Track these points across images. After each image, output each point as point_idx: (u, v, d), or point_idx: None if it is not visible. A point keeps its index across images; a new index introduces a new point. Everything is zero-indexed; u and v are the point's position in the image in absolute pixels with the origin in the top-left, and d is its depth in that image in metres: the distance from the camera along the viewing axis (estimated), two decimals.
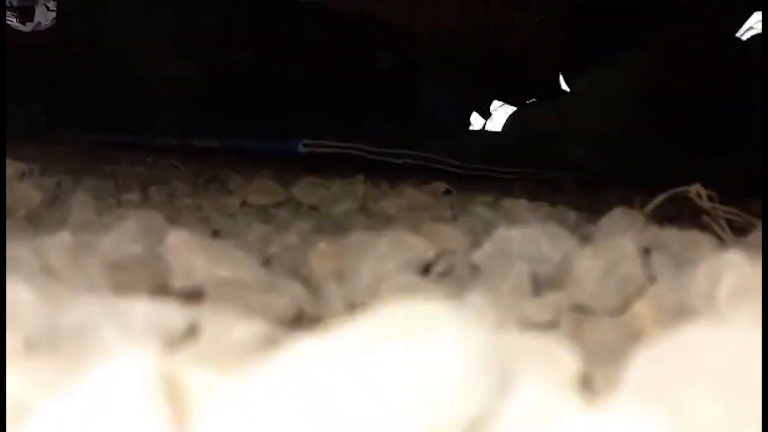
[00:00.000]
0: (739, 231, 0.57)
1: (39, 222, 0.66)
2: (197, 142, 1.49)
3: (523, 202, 0.74)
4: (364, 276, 0.52)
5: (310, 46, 2.01)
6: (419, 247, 0.54)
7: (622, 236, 0.48)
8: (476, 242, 0.56)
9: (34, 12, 2.42)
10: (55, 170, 0.94)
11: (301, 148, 1.30)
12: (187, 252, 0.55)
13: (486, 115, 2.55)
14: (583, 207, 1.01)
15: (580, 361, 0.27)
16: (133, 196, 0.90)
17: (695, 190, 0.55)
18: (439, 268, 0.54)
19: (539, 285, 0.48)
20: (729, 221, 0.57)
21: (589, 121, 2.54)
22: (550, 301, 0.44)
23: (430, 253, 0.53)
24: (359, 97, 2.08)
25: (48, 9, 2.41)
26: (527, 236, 0.49)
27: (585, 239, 0.52)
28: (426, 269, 0.54)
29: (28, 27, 2.40)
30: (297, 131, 1.48)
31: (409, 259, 0.53)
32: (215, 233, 0.74)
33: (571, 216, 0.73)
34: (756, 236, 0.52)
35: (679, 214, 0.87)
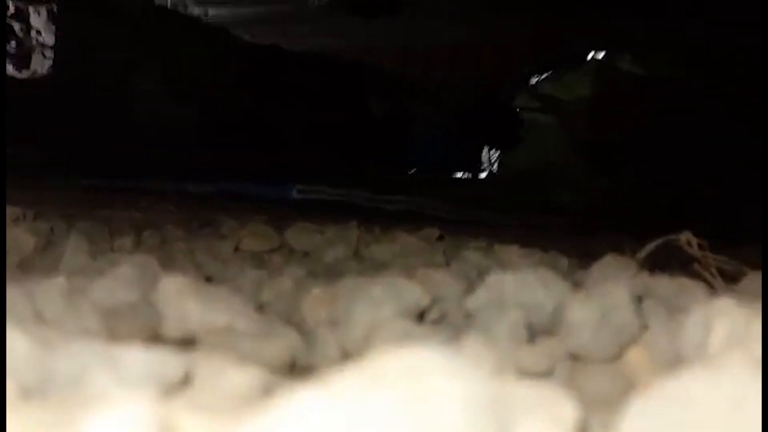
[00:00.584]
0: (730, 278, 0.58)
1: (32, 267, 0.66)
2: (192, 187, 1.50)
3: (515, 248, 0.75)
4: (358, 323, 0.52)
5: (306, 93, 2.04)
6: (413, 293, 0.54)
7: (614, 283, 0.49)
8: (470, 288, 0.56)
9: (30, 59, 2.44)
10: (48, 215, 0.94)
11: (295, 194, 1.31)
12: (180, 298, 0.55)
13: (477, 160, 2.58)
14: (574, 253, 1.01)
15: (577, 409, 0.27)
16: (126, 241, 0.90)
17: (685, 238, 0.56)
18: (433, 314, 0.54)
19: (534, 332, 0.48)
20: (719, 268, 0.58)
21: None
22: (545, 349, 0.44)
23: (424, 300, 0.53)
24: (354, 143, 2.10)
25: (44, 57, 2.43)
26: (521, 283, 0.49)
27: (578, 286, 0.52)
28: (421, 315, 0.53)
29: (24, 74, 2.42)
30: (291, 177, 1.49)
31: (404, 306, 0.53)
32: (208, 279, 0.74)
33: (563, 262, 0.73)
34: (746, 283, 0.53)
35: (670, 261, 0.88)
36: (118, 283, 0.57)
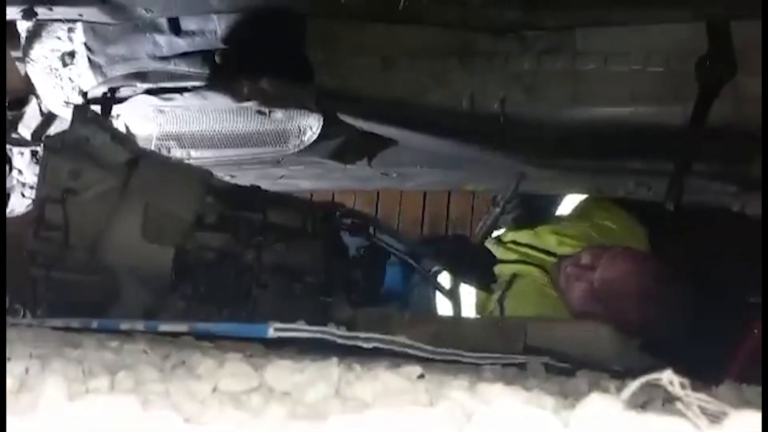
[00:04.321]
0: (713, 417, 0.58)
1: (9, 411, 0.64)
2: (165, 327, 1.48)
3: (499, 387, 0.74)
4: None
5: (279, 232, 2.08)
6: None
7: (601, 423, 0.49)
8: (458, 429, 0.55)
9: (9, 198, 2.46)
10: (21, 355, 0.92)
11: (271, 333, 1.30)
12: None
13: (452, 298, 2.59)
14: (556, 392, 1.01)
15: None
16: (101, 383, 0.87)
17: (667, 377, 0.57)
18: None
19: None
20: (701, 408, 0.59)
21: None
22: None
23: None
24: (329, 281, 2.11)
25: (23, 196, 2.45)
26: (511, 423, 0.49)
27: (566, 426, 0.52)
28: None
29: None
30: (266, 315, 1.48)
31: None
32: (187, 421, 0.72)
33: (548, 401, 0.73)
34: (729, 423, 0.53)
35: (651, 399, 0.88)
36: (97, 427, 0.55)
